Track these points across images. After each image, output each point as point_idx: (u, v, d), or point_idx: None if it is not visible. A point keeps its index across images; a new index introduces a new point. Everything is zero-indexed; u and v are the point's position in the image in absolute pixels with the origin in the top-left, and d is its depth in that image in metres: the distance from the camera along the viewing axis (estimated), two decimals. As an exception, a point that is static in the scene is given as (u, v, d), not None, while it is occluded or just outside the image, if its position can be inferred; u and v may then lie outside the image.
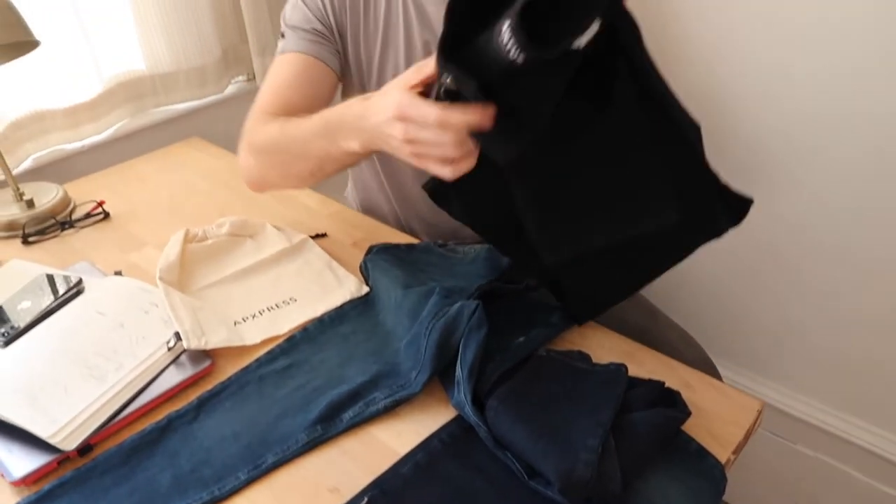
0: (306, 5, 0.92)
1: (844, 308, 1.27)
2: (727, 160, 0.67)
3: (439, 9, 0.87)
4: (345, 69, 0.96)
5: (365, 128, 0.68)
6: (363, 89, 0.96)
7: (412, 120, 0.59)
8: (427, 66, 0.61)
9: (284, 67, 0.92)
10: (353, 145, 0.71)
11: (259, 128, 0.87)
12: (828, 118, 1.14)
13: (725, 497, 0.63)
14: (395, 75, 0.72)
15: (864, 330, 1.26)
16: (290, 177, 0.86)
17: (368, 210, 1.13)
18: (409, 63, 0.82)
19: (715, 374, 0.94)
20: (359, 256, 0.90)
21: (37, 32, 0.98)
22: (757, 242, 1.32)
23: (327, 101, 0.93)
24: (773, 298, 1.37)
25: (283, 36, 0.94)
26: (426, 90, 0.62)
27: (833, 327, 1.30)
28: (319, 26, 0.92)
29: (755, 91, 1.20)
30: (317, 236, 0.97)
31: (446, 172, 0.61)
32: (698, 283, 1.45)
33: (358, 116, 0.69)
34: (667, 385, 0.67)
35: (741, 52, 1.19)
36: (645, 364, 0.74)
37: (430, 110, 0.57)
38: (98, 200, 1.08)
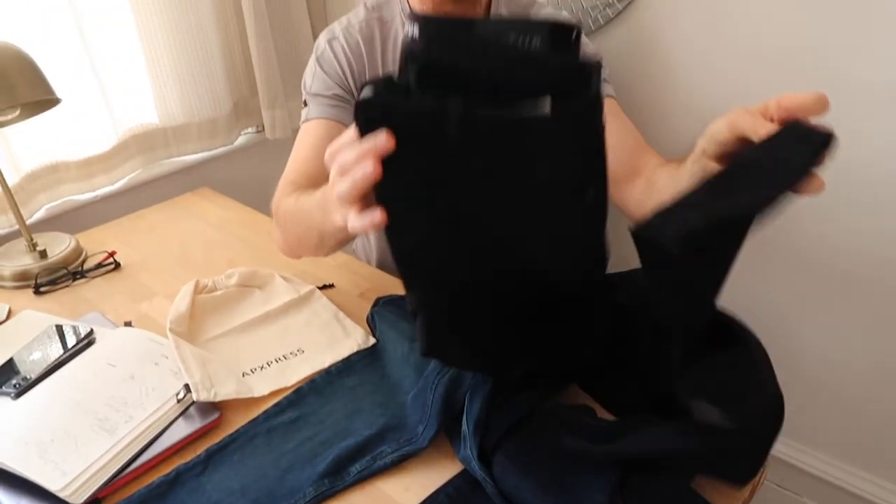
0: (325, 72, 0.95)
1: (852, 360, 1.27)
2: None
3: None
4: None
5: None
6: None
7: (337, 148, 0.54)
8: None
9: (308, 136, 0.95)
10: (338, 218, 0.62)
11: (282, 199, 0.90)
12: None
13: (732, 554, 0.63)
14: None
15: (872, 383, 1.26)
16: (303, 247, 0.88)
17: (385, 267, 1.12)
18: None
19: None
20: (366, 307, 0.92)
21: (56, 89, 1.02)
22: (766, 294, 1.33)
23: None
24: (779, 351, 1.37)
25: (305, 104, 0.97)
26: None
27: (840, 379, 1.30)
28: (340, 91, 0.95)
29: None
30: (324, 287, 0.99)
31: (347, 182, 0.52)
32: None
33: None
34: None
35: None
36: (649, 418, 0.74)
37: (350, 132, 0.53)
38: (109, 251, 1.10)
